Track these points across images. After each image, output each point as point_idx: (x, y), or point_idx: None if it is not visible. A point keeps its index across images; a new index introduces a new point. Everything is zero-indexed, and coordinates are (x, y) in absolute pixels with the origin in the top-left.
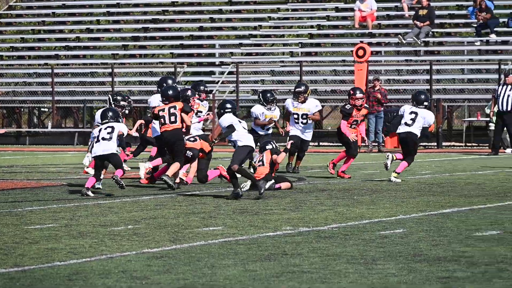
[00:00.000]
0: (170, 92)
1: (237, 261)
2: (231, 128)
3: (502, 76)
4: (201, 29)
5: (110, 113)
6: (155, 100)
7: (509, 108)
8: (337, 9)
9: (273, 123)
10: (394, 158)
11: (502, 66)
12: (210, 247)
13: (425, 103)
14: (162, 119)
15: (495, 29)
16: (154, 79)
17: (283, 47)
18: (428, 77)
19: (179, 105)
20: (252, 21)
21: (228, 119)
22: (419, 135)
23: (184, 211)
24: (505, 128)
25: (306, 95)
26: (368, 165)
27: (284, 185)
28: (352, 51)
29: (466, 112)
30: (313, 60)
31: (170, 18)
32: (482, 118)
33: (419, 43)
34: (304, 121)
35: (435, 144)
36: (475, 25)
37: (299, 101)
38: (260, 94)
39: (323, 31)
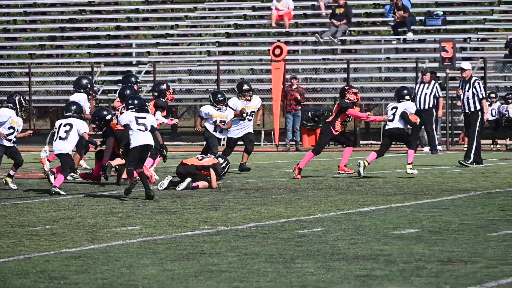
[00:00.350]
0: (129, 92)
1: (156, 261)
2: (126, 128)
3: (419, 75)
4: (118, 28)
5: (74, 107)
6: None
7: (426, 107)
8: (254, 8)
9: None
10: (366, 164)
11: (419, 65)
12: (128, 246)
13: (407, 97)
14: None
15: (412, 27)
16: (71, 79)
17: (200, 46)
18: (345, 75)
19: (151, 101)
20: (169, 21)
21: (126, 117)
22: (404, 127)
23: (102, 211)
24: (423, 127)
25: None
26: (286, 164)
27: (202, 184)
28: (269, 50)
29: (383, 110)
30: (230, 59)
31: (87, 18)
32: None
33: (336, 41)
34: (251, 117)
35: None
36: (392, 24)
37: (247, 98)
38: (211, 95)
39: (240, 30)
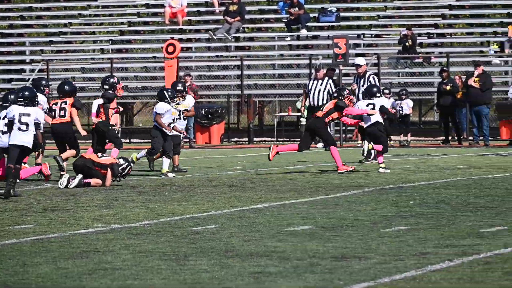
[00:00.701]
0: (66, 87)
1: (49, 259)
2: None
3: (313, 71)
4: (11, 26)
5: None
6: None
7: (320, 103)
8: (147, 6)
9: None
10: (370, 147)
11: (313, 61)
12: (21, 245)
13: (378, 95)
14: (53, 113)
15: (306, 24)
16: None
17: (93, 44)
18: (239, 72)
19: (70, 100)
20: (62, 18)
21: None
22: (382, 122)
23: None
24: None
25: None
26: (180, 162)
27: (94, 181)
28: (162, 47)
29: (277, 107)
30: (124, 57)
31: None
32: (294, 113)
33: (230, 38)
34: (183, 116)
35: (246, 139)
36: (286, 21)
37: (182, 98)
38: (166, 91)
39: (133, 27)
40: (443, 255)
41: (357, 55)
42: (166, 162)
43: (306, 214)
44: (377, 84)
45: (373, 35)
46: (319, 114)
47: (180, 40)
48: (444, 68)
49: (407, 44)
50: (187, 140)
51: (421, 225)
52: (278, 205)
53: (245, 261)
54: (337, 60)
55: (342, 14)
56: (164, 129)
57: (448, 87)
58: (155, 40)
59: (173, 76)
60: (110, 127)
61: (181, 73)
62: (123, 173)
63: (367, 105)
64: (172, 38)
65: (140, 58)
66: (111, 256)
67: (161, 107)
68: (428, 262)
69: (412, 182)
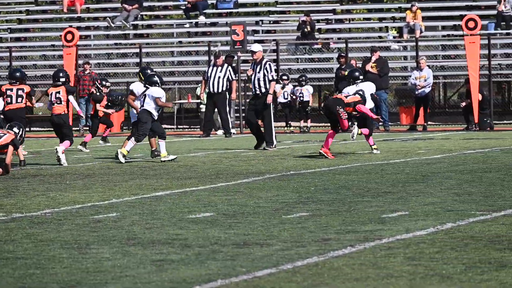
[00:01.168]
0: (17, 74)
1: None
2: None
3: (212, 58)
4: None
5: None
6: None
7: (220, 90)
8: None
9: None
10: (359, 132)
11: (212, 48)
12: None
13: (361, 77)
14: (8, 98)
15: (204, 11)
16: None
17: None
18: (138, 60)
19: (26, 88)
20: None
21: None
22: (372, 106)
23: None
24: (216, 110)
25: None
26: (81, 151)
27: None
28: (61, 35)
29: (177, 94)
30: (23, 45)
31: None
32: (193, 100)
33: (128, 26)
34: None
35: None
36: (184, 8)
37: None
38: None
39: (32, 16)
40: (345, 241)
41: (256, 41)
42: (162, 145)
43: (207, 201)
44: (272, 72)
45: (271, 22)
46: (342, 98)
47: (79, 28)
48: (342, 54)
49: (305, 30)
50: (87, 128)
51: (322, 211)
52: (179, 192)
53: (147, 249)
54: (235, 47)
55: (240, 1)
56: (154, 114)
57: (345, 73)
58: (54, 29)
59: (72, 64)
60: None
61: (80, 61)
62: (21, 140)
63: (356, 92)
64: (70, 26)
65: (38, 46)
66: (13, 245)
67: (157, 90)
68: (330, 248)
69: (313, 168)
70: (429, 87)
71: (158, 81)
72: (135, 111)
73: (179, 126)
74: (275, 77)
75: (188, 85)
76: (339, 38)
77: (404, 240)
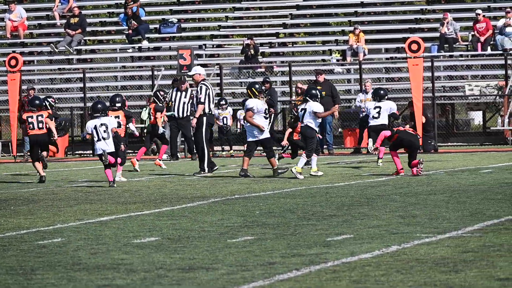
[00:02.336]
0: (36, 102)
1: None
2: None
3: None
4: None
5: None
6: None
7: (185, 115)
8: None
9: None
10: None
11: (156, 72)
12: None
13: (386, 97)
14: (30, 125)
15: (148, 35)
16: None
17: None
18: (82, 85)
19: (45, 113)
20: None
21: None
22: (386, 123)
23: None
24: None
25: None
26: (24, 176)
27: None
28: (4, 61)
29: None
30: None
31: None
32: (137, 124)
33: (72, 51)
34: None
35: (91, 152)
36: (127, 32)
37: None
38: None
39: None
40: (290, 264)
41: (200, 65)
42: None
43: (152, 225)
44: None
45: (214, 46)
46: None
47: (22, 54)
48: (267, 79)
49: (249, 53)
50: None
51: (267, 234)
52: (124, 217)
53: (92, 274)
54: (182, 71)
55: (183, 25)
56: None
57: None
58: None
59: (17, 90)
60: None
61: (24, 87)
62: None
63: (375, 108)
64: (14, 51)
65: None
66: None
67: (317, 105)
68: (276, 272)
69: (257, 192)
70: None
71: (318, 95)
72: (255, 129)
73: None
74: (202, 100)
75: (132, 110)
76: (282, 62)
77: (349, 263)
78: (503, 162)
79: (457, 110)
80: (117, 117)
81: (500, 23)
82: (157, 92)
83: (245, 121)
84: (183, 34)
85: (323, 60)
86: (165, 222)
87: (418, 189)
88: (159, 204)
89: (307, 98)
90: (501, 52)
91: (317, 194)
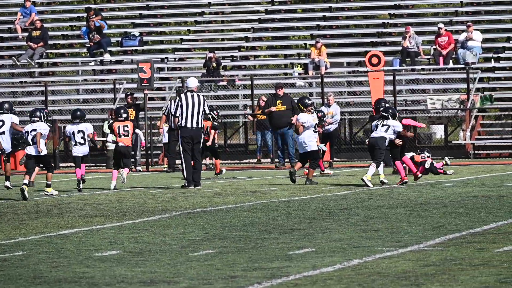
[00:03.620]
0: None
1: None
2: None
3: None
4: None
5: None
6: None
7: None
8: None
9: None
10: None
11: (117, 86)
12: None
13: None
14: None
15: (110, 48)
16: None
17: None
18: (43, 98)
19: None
20: None
21: None
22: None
23: None
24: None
25: None
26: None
27: None
28: None
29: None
30: None
31: None
32: (99, 138)
33: (34, 64)
34: None
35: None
36: (89, 46)
37: None
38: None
39: None
40: (252, 278)
41: (161, 79)
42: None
43: (114, 239)
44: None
45: (176, 59)
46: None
47: None
48: (129, 93)
49: (211, 67)
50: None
51: (229, 248)
52: (86, 230)
53: (53, 287)
54: (142, 84)
55: (145, 38)
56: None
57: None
58: None
59: None
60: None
61: None
62: None
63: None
64: None
65: None
66: None
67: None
68: (237, 285)
69: (219, 206)
70: (336, 123)
71: (396, 113)
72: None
73: (87, 164)
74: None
75: (93, 123)
76: (244, 75)
77: (311, 276)
78: (465, 176)
79: None
80: (126, 126)
81: (462, 37)
82: (211, 112)
83: (295, 134)
84: (145, 47)
85: (285, 74)
86: (126, 236)
87: (379, 202)
88: (121, 218)
89: (388, 116)
90: (463, 66)
91: (279, 207)
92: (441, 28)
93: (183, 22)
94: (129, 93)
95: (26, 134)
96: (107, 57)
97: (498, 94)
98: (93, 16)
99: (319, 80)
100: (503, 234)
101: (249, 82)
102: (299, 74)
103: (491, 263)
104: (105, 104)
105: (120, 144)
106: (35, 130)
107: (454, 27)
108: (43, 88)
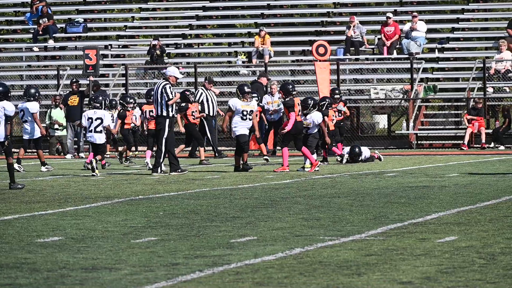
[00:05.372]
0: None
1: None
2: None
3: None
4: None
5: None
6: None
7: (214, 113)
8: None
9: None
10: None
11: (61, 72)
12: None
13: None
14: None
15: (54, 35)
16: None
17: None
18: None
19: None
20: None
21: None
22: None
23: None
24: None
25: None
26: None
27: None
28: None
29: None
30: None
31: None
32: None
33: None
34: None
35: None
36: (34, 31)
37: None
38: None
39: None
40: (193, 265)
41: (105, 65)
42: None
43: (56, 225)
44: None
45: (120, 46)
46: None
47: None
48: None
49: (155, 54)
50: None
51: (171, 235)
52: (28, 216)
53: None
54: (88, 71)
55: (89, 25)
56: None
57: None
58: None
59: None
60: None
61: None
62: None
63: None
64: None
65: None
66: None
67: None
68: (179, 273)
69: (161, 193)
70: (281, 112)
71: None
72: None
73: (27, 150)
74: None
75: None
76: (188, 63)
77: (252, 265)
78: (407, 166)
79: (362, 114)
80: (151, 111)
81: (406, 27)
82: (184, 93)
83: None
84: (89, 34)
85: (229, 62)
86: (68, 222)
87: (322, 191)
88: (63, 204)
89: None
90: (407, 56)
91: (221, 195)
92: (390, 18)
93: (127, 8)
94: (74, 80)
95: (90, 120)
96: (51, 43)
97: (442, 84)
98: (37, 2)
99: (263, 68)
100: (445, 224)
101: (192, 70)
102: (243, 62)
103: (432, 253)
104: (48, 90)
105: (150, 127)
106: (100, 118)
107: (399, 17)
108: None
